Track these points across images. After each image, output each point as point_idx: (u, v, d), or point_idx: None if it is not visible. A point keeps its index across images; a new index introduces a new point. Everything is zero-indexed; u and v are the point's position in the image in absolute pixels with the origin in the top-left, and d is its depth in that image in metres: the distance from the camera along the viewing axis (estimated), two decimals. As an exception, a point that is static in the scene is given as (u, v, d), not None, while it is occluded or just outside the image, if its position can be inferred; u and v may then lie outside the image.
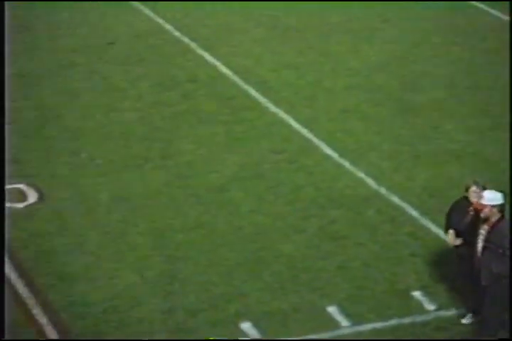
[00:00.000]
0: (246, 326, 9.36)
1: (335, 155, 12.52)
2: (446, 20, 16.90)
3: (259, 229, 10.87)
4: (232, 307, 9.56)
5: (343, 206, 11.33)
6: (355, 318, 9.46)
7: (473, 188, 9.28)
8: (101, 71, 14.92)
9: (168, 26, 16.55)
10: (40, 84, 14.45)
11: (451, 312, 9.55)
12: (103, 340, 9.17)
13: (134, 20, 16.83)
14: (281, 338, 9.24)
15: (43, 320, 9.37)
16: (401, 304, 9.64)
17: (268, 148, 12.66)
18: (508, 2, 17.03)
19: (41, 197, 11.48)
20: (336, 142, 12.81)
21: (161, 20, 16.76)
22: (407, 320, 9.47)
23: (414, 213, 11.19)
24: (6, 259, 10.26)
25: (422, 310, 9.62)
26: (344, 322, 9.44)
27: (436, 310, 9.61)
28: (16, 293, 9.75)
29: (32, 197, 11.50)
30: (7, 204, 11.30)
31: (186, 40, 15.99)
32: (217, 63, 15.17)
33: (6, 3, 17.07)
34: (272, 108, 13.78)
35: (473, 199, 9.24)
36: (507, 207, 9.21)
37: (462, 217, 9.30)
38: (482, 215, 8.93)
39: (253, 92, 14.22)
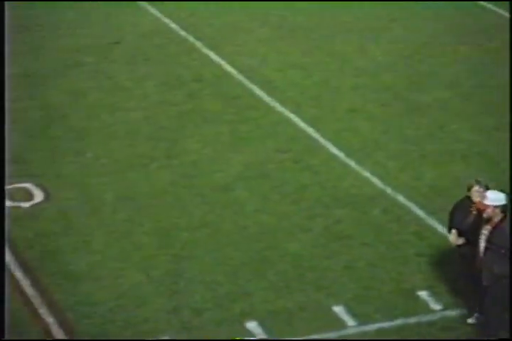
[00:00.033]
0: (251, 325, 9.35)
1: (341, 154, 12.50)
2: (453, 20, 16.87)
3: (264, 229, 10.86)
4: (237, 307, 9.55)
5: (348, 205, 11.31)
6: (361, 318, 9.44)
7: (476, 188, 9.26)
8: (106, 71, 14.93)
9: (173, 25, 16.56)
10: (45, 84, 14.46)
11: (457, 312, 9.53)
12: (108, 340, 9.16)
13: (139, 19, 16.85)
14: (286, 338, 9.22)
15: (49, 319, 9.38)
16: (407, 304, 9.61)
17: (273, 148, 12.65)
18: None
19: (47, 197, 11.48)
20: (342, 141, 12.79)
21: (166, 20, 16.77)
22: (413, 320, 9.45)
23: (420, 212, 11.16)
24: (12, 259, 10.27)
25: (428, 310, 9.60)
26: (350, 321, 9.42)
27: (442, 309, 9.59)
28: (21, 292, 9.75)
29: (38, 196, 11.51)
30: (13, 204, 11.32)
31: (191, 39, 15.99)
32: (223, 62, 15.16)
33: (12, 3, 17.12)
34: (278, 107, 13.77)
35: (475, 198, 9.22)
36: (510, 207, 9.17)
37: (465, 216, 9.28)
38: (485, 215, 8.92)
39: (258, 92, 14.22)
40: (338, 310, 9.54)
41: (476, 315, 9.33)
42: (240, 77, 14.62)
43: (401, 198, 11.50)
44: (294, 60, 15.29)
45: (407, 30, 16.48)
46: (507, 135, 12.86)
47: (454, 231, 9.33)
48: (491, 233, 8.85)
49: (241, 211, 11.21)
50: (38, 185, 11.72)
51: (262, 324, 9.37)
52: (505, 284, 8.77)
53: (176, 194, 11.56)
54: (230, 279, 9.97)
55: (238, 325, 9.34)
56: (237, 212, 11.18)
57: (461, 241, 9.28)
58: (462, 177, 11.48)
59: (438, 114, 13.67)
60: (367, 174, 12.01)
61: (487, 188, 9.20)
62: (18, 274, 10.03)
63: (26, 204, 11.33)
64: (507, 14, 16.84)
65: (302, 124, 13.30)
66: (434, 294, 9.79)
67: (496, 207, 8.84)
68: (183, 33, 16.25)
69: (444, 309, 9.58)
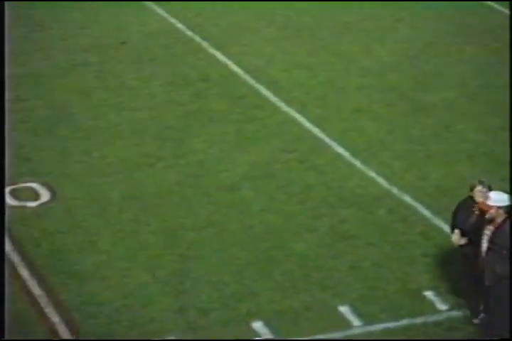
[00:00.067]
0: (257, 325, 9.36)
1: (346, 154, 12.50)
2: (458, 20, 16.85)
3: (270, 228, 10.87)
4: (243, 307, 9.56)
5: (354, 205, 11.32)
6: (366, 318, 9.45)
7: (479, 188, 9.26)
8: (113, 70, 14.95)
9: (179, 25, 16.57)
10: (51, 84, 14.49)
11: (463, 312, 9.52)
12: (114, 340, 9.18)
13: (146, 19, 16.86)
14: (292, 338, 9.23)
15: (55, 318, 9.40)
16: (413, 304, 9.62)
17: (279, 148, 12.66)
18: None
19: (53, 196, 11.51)
20: (348, 141, 12.80)
21: (173, 20, 16.78)
22: (419, 320, 9.45)
23: (426, 213, 11.16)
24: (19, 258, 10.29)
25: (434, 310, 9.60)
26: (356, 321, 9.43)
27: (448, 310, 9.59)
28: (28, 292, 9.77)
29: (44, 196, 11.53)
30: (19, 203, 11.35)
31: (198, 39, 16.01)
32: (229, 62, 15.18)
33: (19, 2, 17.16)
34: (284, 107, 13.78)
35: (478, 198, 9.23)
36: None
37: (467, 216, 9.28)
38: (488, 216, 8.93)
39: (264, 91, 14.22)
40: (344, 310, 9.55)
41: (481, 315, 9.33)
42: (246, 77, 14.63)
43: (407, 198, 11.50)
44: (299, 60, 15.30)
45: (413, 30, 16.46)
46: (513, 135, 12.85)
47: (456, 231, 9.33)
48: (494, 233, 8.87)
49: (247, 211, 11.22)
50: (44, 185, 11.74)
51: (268, 324, 9.38)
52: (505, 284, 8.77)
53: (182, 193, 11.58)
54: (236, 279, 9.98)
55: (244, 324, 9.35)
56: (243, 212, 11.19)
57: (463, 241, 9.29)
58: (468, 178, 11.46)
59: (444, 114, 13.67)
60: (372, 174, 12.02)
61: (490, 188, 9.20)
62: (25, 274, 10.05)
63: (32, 204, 11.35)
64: (513, 14, 16.82)
65: (308, 124, 13.30)
66: (441, 294, 9.79)
67: (499, 207, 8.85)
68: (189, 32, 16.26)
69: (451, 309, 9.58)
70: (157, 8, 17.29)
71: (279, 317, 9.44)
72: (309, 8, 17.23)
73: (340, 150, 12.62)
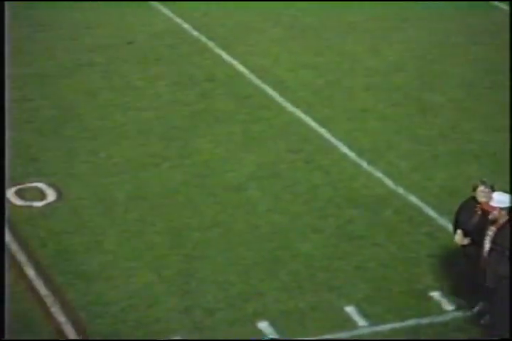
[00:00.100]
0: (263, 325, 9.36)
1: (352, 154, 12.49)
2: (465, 20, 16.83)
3: (276, 229, 10.87)
4: (249, 307, 9.56)
5: (360, 206, 11.30)
6: (372, 318, 9.44)
7: (481, 188, 9.25)
8: (119, 70, 14.96)
9: (185, 25, 16.58)
10: (58, 84, 14.51)
11: (469, 313, 9.50)
12: (120, 340, 9.18)
13: (152, 19, 16.87)
14: (298, 338, 9.23)
15: (61, 318, 9.41)
16: (419, 304, 9.60)
17: (285, 148, 12.65)
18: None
19: (59, 196, 11.52)
20: (354, 142, 12.78)
21: (178, 20, 16.79)
22: (425, 321, 9.44)
23: (432, 213, 11.15)
24: (25, 258, 10.31)
25: (441, 311, 9.58)
26: (362, 322, 9.42)
27: (454, 310, 9.57)
28: (34, 292, 9.78)
29: (51, 195, 11.55)
30: (26, 203, 11.36)
31: (204, 39, 16.01)
32: (235, 62, 15.18)
33: (26, 2, 17.18)
34: (289, 107, 13.77)
35: (480, 199, 9.22)
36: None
37: (470, 217, 9.28)
38: (490, 217, 8.93)
39: (270, 92, 14.22)
40: (350, 310, 9.54)
41: (486, 315, 9.31)
42: (252, 77, 14.63)
43: (413, 198, 11.48)
44: (305, 60, 15.29)
45: (419, 30, 16.44)
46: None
47: (459, 231, 9.33)
48: (496, 234, 8.87)
49: (253, 211, 11.22)
50: (51, 185, 11.75)
51: (273, 324, 9.37)
52: (507, 285, 8.76)
53: (188, 193, 11.58)
54: (242, 279, 9.98)
55: (250, 325, 9.35)
56: (249, 212, 11.19)
57: (466, 241, 9.28)
58: (475, 178, 11.40)
59: (450, 114, 13.65)
60: (379, 174, 12.00)
61: (493, 189, 9.19)
62: (31, 273, 10.06)
63: (39, 204, 11.37)
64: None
65: (314, 124, 13.29)
66: (447, 295, 9.77)
67: (502, 208, 8.84)
68: (195, 32, 16.26)
69: (457, 310, 9.56)
70: (163, 8, 17.30)
71: (285, 317, 9.44)
72: (315, 8, 17.22)
73: (346, 150, 12.61)
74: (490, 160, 12.32)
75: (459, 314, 9.53)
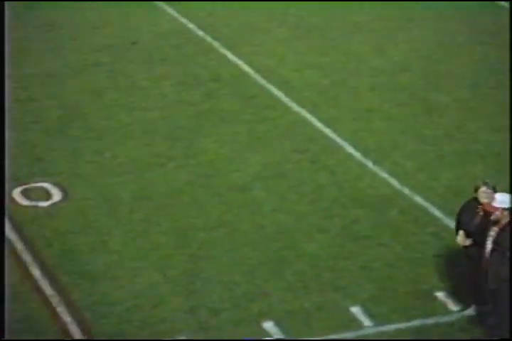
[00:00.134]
0: (269, 325, 9.36)
1: (358, 154, 12.48)
2: (470, 20, 16.80)
3: (282, 228, 10.86)
4: (254, 307, 9.56)
5: (365, 206, 11.30)
6: (378, 318, 9.43)
7: (483, 189, 9.23)
8: (124, 70, 14.98)
9: (191, 25, 16.59)
10: (64, 84, 14.53)
11: (475, 313, 9.49)
12: (125, 340, 9.19)
13: (157, 19, 16.89)
14: (304, 338, 9.22)
15: (66, 318, 9.42)
16: (425, 305, 9.59)
17: (291, 148, 12.65)
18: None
19: (65, 196, 11.54)
20: (359, 142, 12.77)
21: (184, 20, 16.80)
22: (430, 321, 9.43)
23: (438, 213, 11.13)
24: (30, 258, 10.32)
25: (446, 311, 9.57)
26: (367, 322, 9.41)
27: (460, 310, 9.56)
28: (40, 292, 9.80)
29: (56, 195, 11.56)
30: (31, 203, 11.38)
31: (209, 39, 16.02)
32: (240, 62, 15.18)
33: (31, 2, 17.21)
34: (295, 107, 13.77)
35: (482, 199, 9.21)
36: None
37: (472, 217, 9.27)
38: (493, 217, 8.91)
39: (276, 92, 14.22)
40: (355, 310, 9.53)
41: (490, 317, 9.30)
42: (258, 77, 14.63)
43: (419, 199, 11.47)
44: (311, 60, 15.28)
45: (424, 29, 16.43)
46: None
47: (461, 232, 9.32)
48: (498, 235, 8.86)
49: (258, 211, 11.22)
50: (56, 185, 11.77)
51: (279, 324, 9.37)
52: (507, 285, 8.75)
53: (193, 193, 11.58)
54: (247, 279, 9.98)
55: (255, 325, 9.35)
56: (255, 212, 11.19)
57: (468, 242, 9.27)
58: (481, 178, 11.39)
59: (456, 114, 13.63)
60: (384, 174, 11.99)
61: (494, 190, 9.18)
62: (36, 273, 10.08)
63: (44, 204, 11.38)
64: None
65: (319, 124, 13.29)
66: (452, 295, 9.76)
67: (504, 209, 8.82)
68: (200, 32, 16.27)
69: (462, 310, 9.55)
70: (168, 8, 17.31)
71: (291, 317, 9.43)
72: (320, 8, 17.22)
73: (351, 150, 12.60)
74: (495, 160, 12.30)
75: (465, 314, 9.51)
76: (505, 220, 8.87)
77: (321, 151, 12.58)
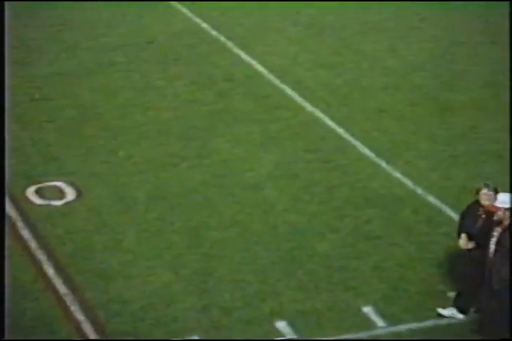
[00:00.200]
0: (281, 325, 9.39)
1: (370, 154, 12.48)
2: (483, 19, 16.76)
3: (294, 228, 10.89)
4: (266, 306, 9.59)
5: (378, 206, 11.30)
6: (390, 318, 9.44)
7: (484, 191, 9.22)
8: (138, 70, 15.03)
9: (204, 25, 16.62)
10: (78, 83, 14.60)
11: (477, 314, 9.46)
12: (138, 340, 9.24)
13: (171, 19, 16.94)
14: (316, 338, 9.25)
15: (80, 317, 9.48)
16: (437, 305, 9.59)
17: (303, 148, 12.67)
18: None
19: (79, 195, 11.60)
20: (372, 141, 12.78)
21: (198, 20, 16.84)
22: (443, 321, 9.43)
23: (451, 213, 11.12)
24: (45, 257, 10.39)
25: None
26: (380, 322, 9.42)
27: (473, 311, 9.54)
28: (54, 290, 9.87)
29: (70, 194, 11.63)
30: (45, 202, 11.45)
31: (223, 39, 16.05)
32: (253, 62, 15.20)
33: (46, 2, 17.29)
34: (308, 107, 13.79)
35: (483, 201, 9.20)
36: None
37: (474, 220, 9.26)
38: (495, 218, 8.91)
39: (289, 91, 14.24)
40: (367, 310, 9.55)
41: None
42: (271, 77, 14.65)
43: (431, 199, 11.46)
44: (324, 60, 15.29)
45: (437, 29, 16.40)
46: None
47: (463, 235, 9.30)
48: (501, 235, 8.86)
49: (270, 210, 11.25)
50: (70, 184, 11.84)
51: (291, 324, 9.40)
52: (507, 286, 8.75)
53: (207, 193, 11.62)
54: (259, 278, 10.01)
55: (267, 324, 9.38)
56: (267, 212, 11.22)
57: (471, 245, 9.25)
58: (494, 178, 11.39)
59: (469, 113, 13.60)
60: (397, 174, 11.99)
61: (496, 191, 9.17)
62: (50, 272, 10.15)
63: (58, 203, 11.45)
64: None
65: (332, 124, 13.30)
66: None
67: (506, 209, 8.82)
68: (214, 32, 16.31)
69: (476, 310, 9.53)
70: (182, 8, 17.36)
71: (302, 317, 9.46)
72: (333, 7, 17.21)
73: (364, 150, 12.60)
74: (509, 160, 12.27)
75: (477, 315, 9.50)
76: (507, 221, 8.87)
77: (333, 151, 12.59)
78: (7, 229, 10.74)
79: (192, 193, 11.63)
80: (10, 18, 16.18)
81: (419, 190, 11.65)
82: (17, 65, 14.98)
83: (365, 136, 12.92)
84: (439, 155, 12.47)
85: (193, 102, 13.98)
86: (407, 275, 10.07)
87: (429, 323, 9.41)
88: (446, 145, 12.71)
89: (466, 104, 13.87)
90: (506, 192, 9.16)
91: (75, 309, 9.59)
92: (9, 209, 11.22)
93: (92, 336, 9.28)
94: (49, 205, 11.40)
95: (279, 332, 9.31)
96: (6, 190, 11.42)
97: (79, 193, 11.64)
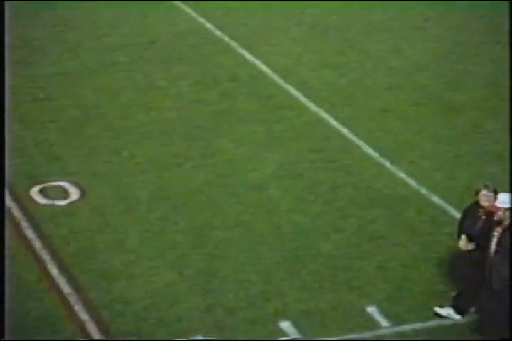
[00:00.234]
0: (285, 325, 9.37)
1: (375, 154, 12.47)
2: (487, 19, 16.74)
3: (298, 228, 10.88)
4: (270, 306, 9.58)
5: (382, 206, 11.29)
6: (394, 319, 9.42)
7: (484, 192, 9.20)
8: (141, 70, 15.03)
9: (208, 25, 16.62)
10: (81, 83, 14.59)
11: (477, 315, 9.44)
12: (141, 340, 9.23)
13: (175, 19, 16.93)
14: (320, 338, 9.23)
15: (84, 317, 9.47)
16: (441, 305, 9.56)
17: (307, 147, 12.65)
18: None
19: (82, 195, 11.60)
20: (376, 141, 12.76)
21: (201, 19, 16.83)
22: (448, 322, 9.41)
23: (455, 213, 11.10)
24: (48, 257, 10.38)
25: (462, 312, 9.55)
26: (384, 322, 9.40)
27: (476, 312, 9.52)
28: (57, 290, 9.86)
29: (74, 194, 11.62)
30: (49, 202, 11.45)
31: (226, 39, 16.04)
32: (257, 62, 15.19)
33: (49, 2, 17.30)
34: (312, 107, 13.77)
35: (483, 202, 9.18)
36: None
37: (474, 222, 9.25)
38: (496, 218, 8.90)
39: (293, 91, 14.22)
40: (371, 310, 9.53)
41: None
42: (275, 77, 14.64)
43: (436, 199, 11.44)
44: (328, 60, 15.28)
45: (441, 29, 16.38)
46: (544, 135, 12.74)
47: (463, 236, 9.28)
48: (501, 235, 8.85)
49: (274, 210, 11.24)
50: (74, 183, 11.83)
51: (295, 324, 9.39)
52: (507, 286, 8.72)
53: (210, 193, 11.61)
54: (263, 278, 10.00)
55: (272, 324, 9.37)
56: (271, 212, 11.20)
57: (471, 246, 9.23)
58: (498, 178, 11.41)
59: (473, 113, 13.58)
60: (401, 174, 11.97)
61: (496, 192, 9.14)
62: (54, 272, 10.14)
63: (62, 202, 11.44)
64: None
65: (336, 124, 13.29)
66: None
67: (506, 209, 8.80)
68: (218, 32, 16.30)
69: (476, 311, 9.50)
70: (186, 8, 17.35)
71: (306, 317, 9.44)
72: (337, 7, 17.20)
73: (368, 150, 12.59)
74: (509, 160, 12.24)
75: (477, 316, 9.47)
76: (507, 221, 8.85)
77: (337, 151, 12.58)
78: (11, 229, 10.73)
79: (196, 193, 11.62)
80: (12, 18, 16.20)
81: (423, 190, 11.63)
82: (20, 64, 14.99)
83: (369, 136, 12.90)
84: (443, 155, 12.45)
85: (196, 102, 13.97)
86: (411, 275, 10.05)
87: (433, 323, 9.39)
88: (450, 145, 12.69)
89: (470, 104, 13.85)
90: (507, 192, 9.14)
91: (78, 309, 9.58)
92: (13, 209, 11.22)
93: (96, 336, 9.27)
94: (53, 205, 11.39)
95: (283, 332, 9.30)
96: (10, 190, 11.42)
97: (82, 193, 11.64)
